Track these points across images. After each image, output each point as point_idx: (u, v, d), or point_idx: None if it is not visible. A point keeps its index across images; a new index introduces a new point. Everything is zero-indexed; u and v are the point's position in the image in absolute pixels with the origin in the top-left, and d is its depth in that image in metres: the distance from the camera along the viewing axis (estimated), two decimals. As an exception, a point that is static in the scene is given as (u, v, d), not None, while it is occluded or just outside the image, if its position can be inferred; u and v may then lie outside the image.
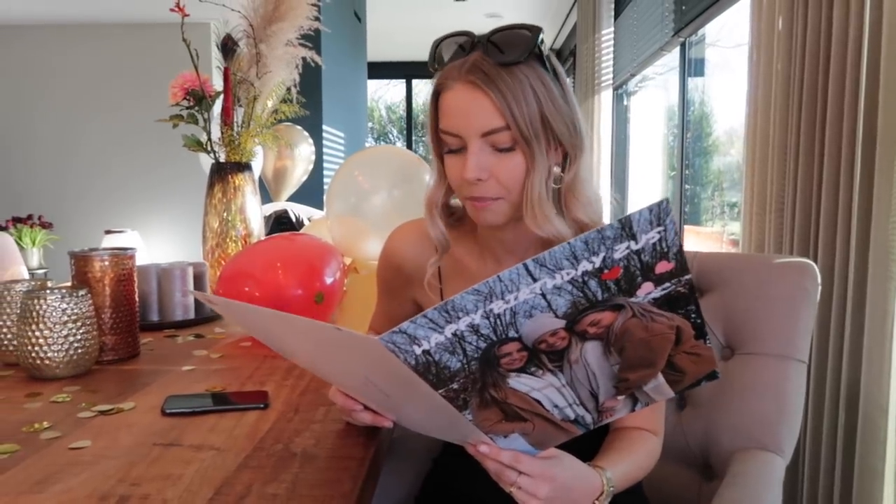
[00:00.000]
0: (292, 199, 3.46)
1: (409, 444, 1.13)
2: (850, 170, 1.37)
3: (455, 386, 0.57)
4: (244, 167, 1.69)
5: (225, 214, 1.66)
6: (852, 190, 1.36)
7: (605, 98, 4.62)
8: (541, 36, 0.78)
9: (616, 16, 4.52)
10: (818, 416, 1.48)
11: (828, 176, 1.43)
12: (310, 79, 1.91)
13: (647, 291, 0.53)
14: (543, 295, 0.53)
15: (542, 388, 0.59)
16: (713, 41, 3.32)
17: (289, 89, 1.73)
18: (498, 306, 0.53)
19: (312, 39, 1.74)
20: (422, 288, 0.94)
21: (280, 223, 2.85)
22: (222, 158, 1.69)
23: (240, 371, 1.08)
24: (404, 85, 9.02)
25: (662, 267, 0.52)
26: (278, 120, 1.76)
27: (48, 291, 1.01)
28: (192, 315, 1.45)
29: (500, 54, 0.78)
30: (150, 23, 4.37)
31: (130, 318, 1.16)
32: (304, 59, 1.73)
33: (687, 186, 3.57)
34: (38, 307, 1.00)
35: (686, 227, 3.56)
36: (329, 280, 1.31)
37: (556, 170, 0.82)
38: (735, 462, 1.00)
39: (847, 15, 1.37)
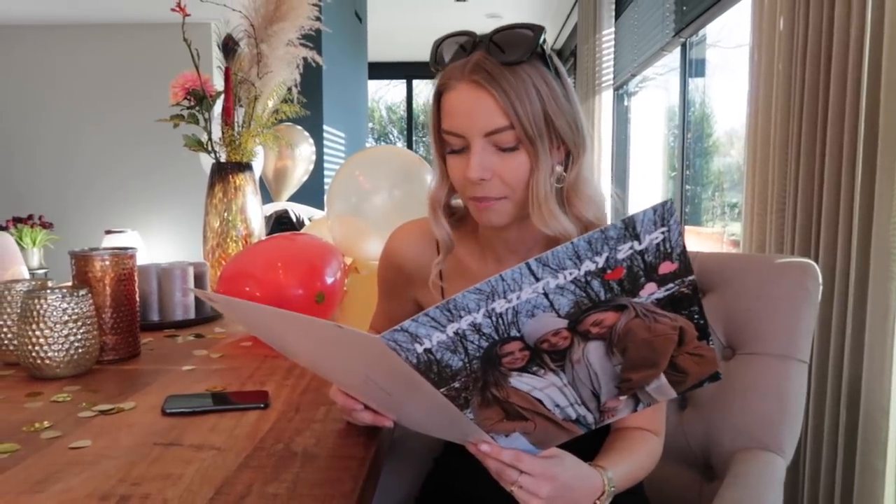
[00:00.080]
0: (293, 199, 3.46)
1: (409, 443, 1.13)
2: (851, 169, 1.37)
3: (456, 385, 0.57)
4: (245, 167, 1.69)
5: (225, 214, 1.66)
6: (853, 190, 1.36)
7: (606, 98, 4.62)
8: (543, 35, 0.78)
9: (617, 16, 4.51)
10: (819, 416, 1.47)
11: (829, 176, 1.43)
12: (310, 79, 1.91)
13: (651, 292, 0.53)
14: (546, 294, 0.52)
15: (543, 387, 0.59)
16: (714, 42, 3.32)
17: (289, 89, 1.73)
18: (500, 305, 0.53)
19: (313, 39, 1.74)
20: (423, 288, 0.94)
21: (281, 223, 2.85)
22: (223, 158, 1.69)
23: (240, 371, 1.08)
24: (405, 85, 9.02)
25: (666, 267, 0.52)
26: (279, 120, 1.76)
27: (49, 291, 1.01)
28: (192, 315, 1.46)
29: (502, 54, 0.78)
30: (150, 23, 4.36)
31: (131, 318, 1.16)
32: (304, 59, 1.73)
33: (687, 187, 3.57)
34: (38, 307, 1.00)
35: (686, 227, 3.55)
36: (330, 280, 1.31)
37: (559, 168, 0.82)
38: (736, 462, 1.00)
39: (848, 15, 1.37)
